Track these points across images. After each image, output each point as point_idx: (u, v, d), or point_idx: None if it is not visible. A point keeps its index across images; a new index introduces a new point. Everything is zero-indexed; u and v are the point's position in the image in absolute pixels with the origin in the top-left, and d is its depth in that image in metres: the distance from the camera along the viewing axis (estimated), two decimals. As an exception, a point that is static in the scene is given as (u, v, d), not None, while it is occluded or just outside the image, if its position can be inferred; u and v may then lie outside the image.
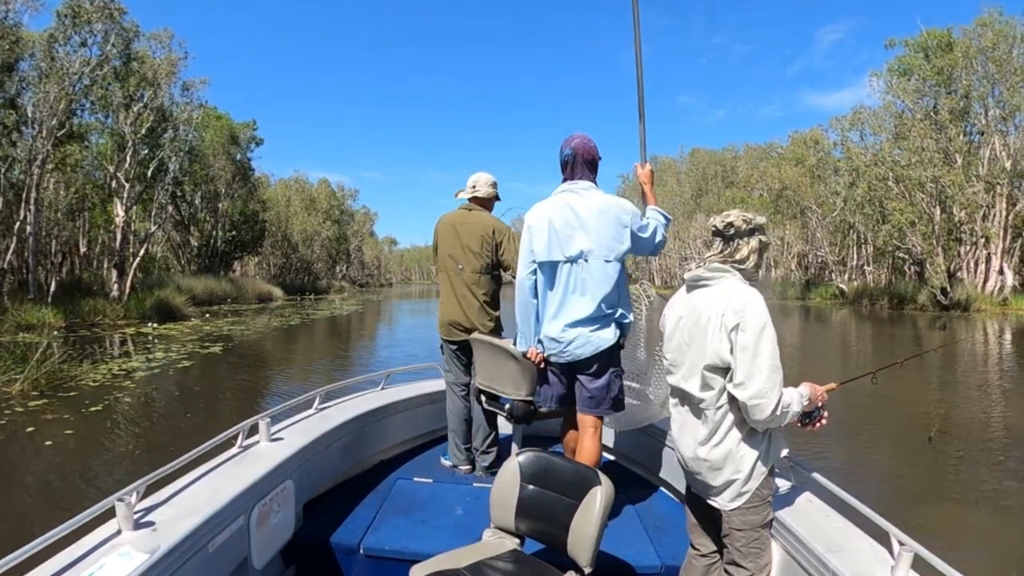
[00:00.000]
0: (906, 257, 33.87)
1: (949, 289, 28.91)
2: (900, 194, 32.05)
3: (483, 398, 3.47)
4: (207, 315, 22.93)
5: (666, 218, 2.88)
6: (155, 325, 18.34)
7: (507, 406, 3.22)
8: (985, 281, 30.49)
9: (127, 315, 19.65)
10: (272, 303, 35.18)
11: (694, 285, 2.08)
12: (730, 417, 1.95)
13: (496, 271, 3.65)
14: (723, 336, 1.90)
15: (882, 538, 1.90)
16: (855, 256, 44.04)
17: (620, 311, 2.78)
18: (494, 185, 3.71)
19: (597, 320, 2.71)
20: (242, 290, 34.21)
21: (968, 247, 31.05)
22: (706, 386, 1.96)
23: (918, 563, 1.74)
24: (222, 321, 21.14)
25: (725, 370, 1.91)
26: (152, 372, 10.46)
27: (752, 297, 1.93)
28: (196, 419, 7.62)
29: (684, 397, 2.06)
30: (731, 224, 2.04)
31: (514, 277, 3.20)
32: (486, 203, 3.71)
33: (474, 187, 3.68)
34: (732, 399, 1.91)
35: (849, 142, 36.92)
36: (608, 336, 2.72)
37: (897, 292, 32.83)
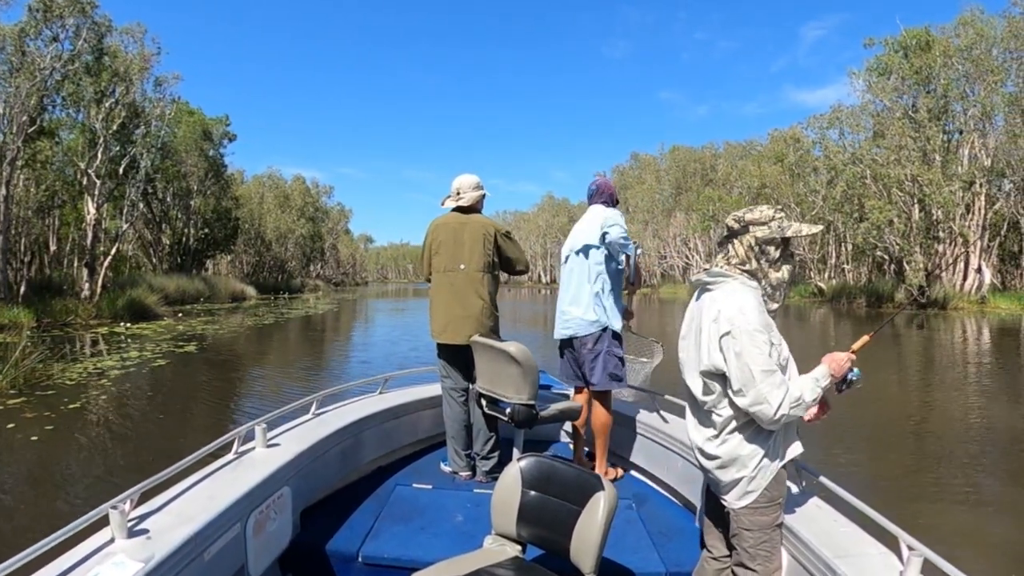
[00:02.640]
0: (885, 256, 34.02)
1: (927, 287, 29.04)
2: (878, 193, 32.25)
3: (483, 402, 3.43)
4: (180, 314, 22.70)
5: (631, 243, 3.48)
6: (128, 325, 18.16)
7: (508, 410, 3.16)
8: (964, 280, 30.70)
9: (99, 315, 19.37)
10: (245, 302, 34.83)
11: (701, 289, 2.07)
12: (734, 417, 1.94)
13: (496, 271, 3.63)
14: (715, 343, 1.89)
15: (891, 543, 1.86)
16: (834, 254, 44.70)
17: (596, 303, 3.36)
18: (479, 187, 3.66)
19: (576, 304, 3.39)
20: (215, 289, 33.79)
21: (946, 246, 31.15)
22: (707, 390, 1.97)
23: (928, 568, 1.72)
24: (195, 320, 20.96)
25: (722, 375, 1.91)
26: (127, 371, 10.44)
27: (744, 303, 1.89)
28: (173, 415, 7.73)
29: (695, 399, 2.06)
30: (728, 226, 2.03)
31: (516, 274, 3.82)
32: (473, 209, 3.67)
33: (458, 194, 3.62)
34: (733, 404, 1.92)
35: (828, 140, 37.01)
36: (581, 322, 3.37)
37: (875, 290, 32.78)
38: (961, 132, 31.90)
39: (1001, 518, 4.74)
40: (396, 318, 27.01)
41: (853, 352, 2.03)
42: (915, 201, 31.40)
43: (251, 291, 39.82)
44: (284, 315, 25.87)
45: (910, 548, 1.76)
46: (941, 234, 31.27)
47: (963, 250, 30.81)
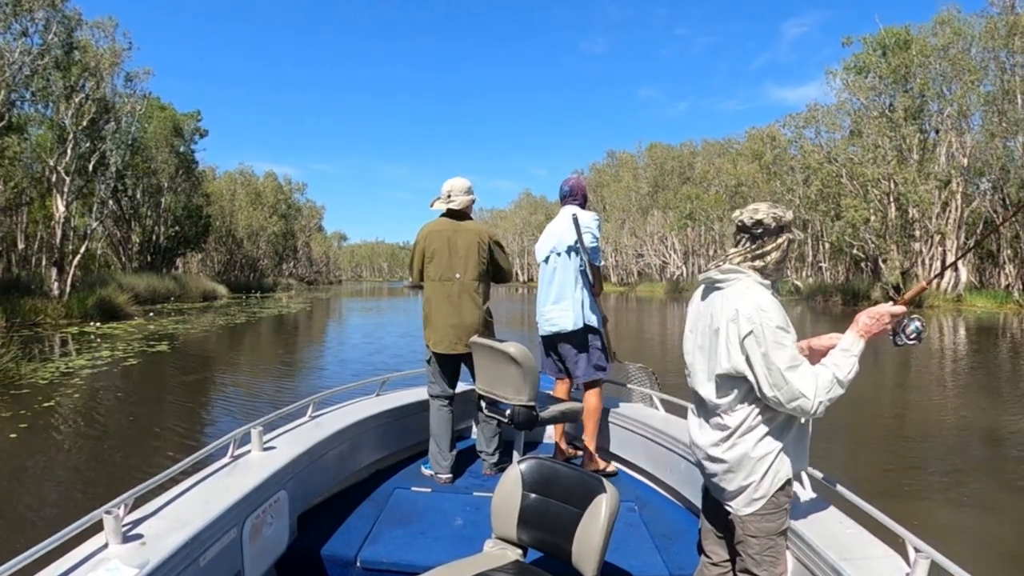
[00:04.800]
0: (861, 255, 34.10)
1: (902, 285, 29.26)
2: (854, 191, 32.42)
3: (483, 404, 3.36)
4: (150, 314, 22.50)
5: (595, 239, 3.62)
6: (98, 324, 18.03)
7: (508, 412, 3.09)
8: (940, 278, 30.69)
9: (69, 315, 19.11)
10: (217, 301, 34.47)
11: (708, 288, 1.99)
12: (745, 421, 1.88)
13: (489, 279, 3.64)
14: (736, 345, 1.82)
15: (898, 545, 1.84)
16: (811, 253, 45.29)
17: (580, 301, 3.51)
18: (470, 191, 3.61)
19: (562, 303, 3.55)
20: (186, 288, 33.47)
21: (922, 244, 31.36)
22: (721, 392, 1.90)
23: (935, 570, 1.69)
24: (166, 320, 20.79)
25: (741, 378, 1.85)
26: (99, 371, 10.46)
27: (763, 301, 1.82)
28: (145, 413, 7.87)
29: (702, 402, 1.99)
30: (760, 222, 1.91)
31: (499, 282, 3.84)
32: (465, 212, 3.62)
33: (449, 197, 3.57)
34: (748, 403, 1.87)
35: (804, 139, 37.10)
36: (566, 322, 3.51)
37: (851, 288, 32.82)
38: (938, 131, 32.12)
39: (983, 517, 4.77)
40: (365, 318, 26.92)
41: (904, 301, 1.93)
42: (891, 200, 31.63)
43: (222, 290, 39.38)
44: (256, 314, 25.75)
45: (917, 550, 1.74)
46: (917, 232, 31.47)
47: (940, 248, 31.02)
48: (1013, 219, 29.48)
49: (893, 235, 31.55)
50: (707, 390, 1.93)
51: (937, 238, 31.05)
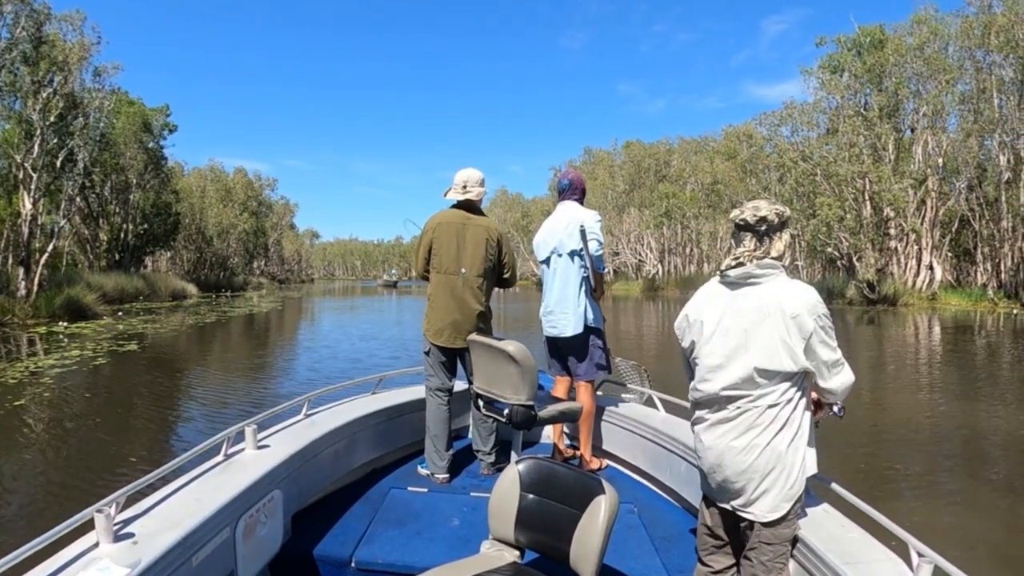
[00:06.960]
0: (836, 253, 34.16)
1: (876, 284, 29.42)
2: (829, 190, 32.53)
3: (480, 403, 3.30)
4: (119, 313, 22.27)
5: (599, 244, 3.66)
6: (66, 324, 17.81)
7: (506, 411, 3.02)
8: (916, 276, 31.05)
9: (36, 314, 18.85)
10: (186, 300, 34.11)
11: (741, 284, 1.94)
12: (778, 423, 1.86)
13: (494, 275, 3.63)
14: (798, 337, 1.82)
15: (900, 549, 1.84)
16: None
17: (582, 306, 3.56)
18: (483, 183, 3.58)
19: (563, 307, 3.58)
20: (155, 287, 33.00)
21: (897, 242, 31.49)
22: (758, 389, 1.86)
23: (938, 575, 1.70)
24: (135, 320, 20.60)
25: (781, 373, 1.84)
26: (68, 370, 10.48)
27: (815, 293, 1.88)
28: (114, 411, 7.97)
29: (729, 401, 1.92)
30: (764, 219, 1.91)
31: (508, 285, 3.84)
32: (477, 204, 3.60)
33: (465, 188, 3.53)
34: (784, 400, 1.86)
35: (779, 137, 36.99)
36: (568, 326, 3.55)
37: (825, 287, 32.48)
38: (913, 130, 32.32)
39: (971, 516, 4.78)
40: (332, 319, 26.78)
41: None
42: (866, 198, 31.84)
43: (192, 289, 38.95)
44: (226, 314, 25.58)
45: (920, 555, 1.74)
46: (892, 231, 31.65)
47: (915, 247, 31.20)
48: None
49: (868, 233, 31.67)
50: (744, 388, 1.89)
51: (912, 236, 31.22)
